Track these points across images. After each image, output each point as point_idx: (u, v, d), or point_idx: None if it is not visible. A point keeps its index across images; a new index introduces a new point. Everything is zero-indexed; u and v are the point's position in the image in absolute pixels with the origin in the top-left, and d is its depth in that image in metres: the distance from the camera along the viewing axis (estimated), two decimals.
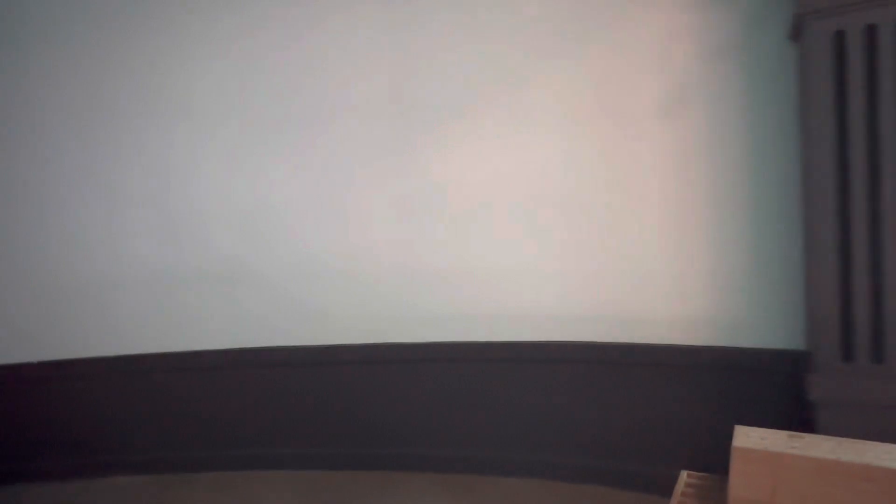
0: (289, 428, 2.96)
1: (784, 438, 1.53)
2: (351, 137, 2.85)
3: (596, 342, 2.65)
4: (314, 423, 2.94)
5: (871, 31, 1.91)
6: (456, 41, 2.72)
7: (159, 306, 2.97)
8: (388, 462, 2.90)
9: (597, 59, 2.59)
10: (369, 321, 2.88)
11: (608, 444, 2.66)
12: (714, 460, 1.89)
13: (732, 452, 1.50)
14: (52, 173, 2.96)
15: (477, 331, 2.79)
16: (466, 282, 2.79)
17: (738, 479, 1.50)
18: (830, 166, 1.96)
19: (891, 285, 1.88)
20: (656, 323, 2.58)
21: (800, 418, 2.12)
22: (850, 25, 1.92)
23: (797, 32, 2.09)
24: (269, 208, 2.91)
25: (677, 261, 2.54)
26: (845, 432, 1.60)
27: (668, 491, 1.91)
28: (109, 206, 2.97)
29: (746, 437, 1.53)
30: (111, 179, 2.97)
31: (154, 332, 2.96)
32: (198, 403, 2.98)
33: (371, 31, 2.80)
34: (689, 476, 1.74)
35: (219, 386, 2.95)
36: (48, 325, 2.97)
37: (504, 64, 2.70)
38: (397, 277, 2.85)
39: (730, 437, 1.57)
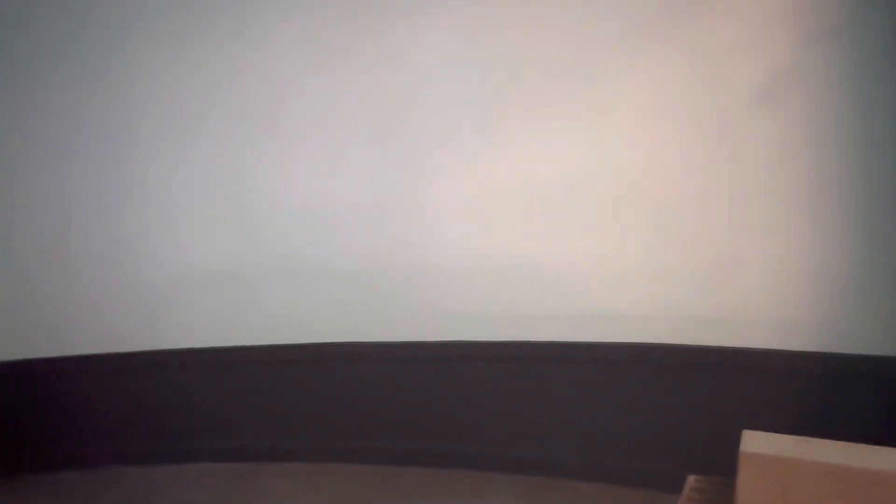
0: (363, 422, 3.00)
1: (793, 443, 1.51)
2: (428, 131, 2.79)
3: (685, 345, 2.52)
4: (388, 418, 2.97)
5: None
6: (536, 31, 2.62)
7: (246, 300, 3.03)
8: (462, 461, 2.87)
9: (685, 45, 2.43)
10: (444, 318, 2.84)
11: (697, 453, 2.39)
12: None
13: (740, 457, 1.52)
14: (146, 172, 3.04)
15: (559, 330, 2.70)
16: (547, 280, 2.71)
17: (746, 484, 1.51)
18: None
19: None
20: (751, 325, 2.42)
21: None
22: None
23: None
24: (343, 204, 2.90)
25: (774, 261, 2.39)
26: None
27: None
28: (201, 201, 3.02)
29: (754, 442, 1.54)
30: (199, 178, 3.02)
31: (241, 326, 3.04)
32: (280, 395, 3.05)
33: (450, 23, 2.72)
34: (696, 481, 1.76)
35: (300, 379, 3.03)
36: (143, 317, 3.09)
37: (585, 53, 2.58)
38: (473, 274, 2.80)
39: None
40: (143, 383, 3.12)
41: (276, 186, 2.98)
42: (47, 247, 3.10)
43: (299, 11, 2.85)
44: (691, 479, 1.79)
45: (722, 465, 1.75)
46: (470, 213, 2.79)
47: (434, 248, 2.84)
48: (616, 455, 2.68)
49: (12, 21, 2.97)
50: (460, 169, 2.79)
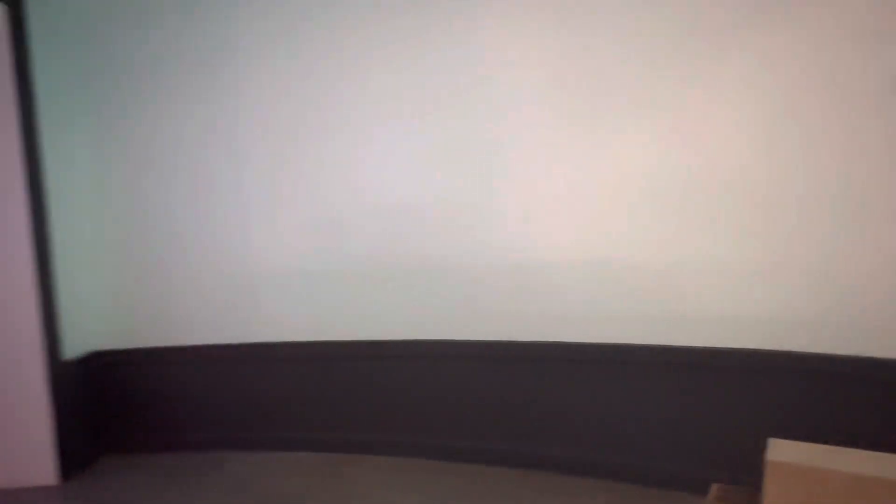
0: (454, 420, 3.00)
1: (821, 452, 1.49)
2: (523, 126, 2.72)
3: (812, 353, 2.32)
4: (478, 418, 2.96)
5: None
6: (637, 14, 2.47)
7: (352, 297, 3.07)
8: (557, 464, 2.83)
9: (808, 26, 2.23)
10: (540, 319, 2.79)
11: None
12: None
13: (766, 466, 1.51)
14: (244, 176, 3.13)
15: (670, 333, 2.56)
16: (652, 280, 2.58)
17: (773, 494, 1.50)
18: None
19: None
20: (883, 333, 2.23)
21: None
22: None
23: None
24: (438, 200, 2.89)
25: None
26: None
27: None
28: (294, 202, 3.08)
29: (781, 451, 1.52)
30: (291, 180, 3.08)
31: (346, 322, 3.09)
32: (374, 390, 3.10)
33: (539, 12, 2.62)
34: (719, 489, 1.73)
35: (394, 375, 3.07)
36: (248, 311, 3.19)
37: (693, 40, 2.40)
38: (576, 273, 2.70)
39: None
40: (246, 373, 3.25)
41: (364, 186, 3.01)
42: (164, 246, 3.25)
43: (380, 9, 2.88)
44: (715, 488, 1.76)
45: None
46: (571, 210, 2.70)
47: (528, 246, 2.78)
48: (721, 469, 2.46)
49: (124, 38, 3.13)
50: (558, 164, 2.69)
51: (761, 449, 1.57)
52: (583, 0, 2.57)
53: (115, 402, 3.28)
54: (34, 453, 2.88)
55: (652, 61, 2.50)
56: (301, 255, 3.12)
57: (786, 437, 2.08)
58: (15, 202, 2.80)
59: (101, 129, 3.20)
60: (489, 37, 2.74)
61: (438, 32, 2.80)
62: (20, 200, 2.81)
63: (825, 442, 1.60)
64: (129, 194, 3.24)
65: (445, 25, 2.79)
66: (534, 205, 2.76)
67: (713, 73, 2.41)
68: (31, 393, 2.86)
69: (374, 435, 3.12)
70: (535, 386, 2.86)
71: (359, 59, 2.94)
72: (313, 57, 2.99)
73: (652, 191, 2.56)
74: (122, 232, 3.26)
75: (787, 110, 2.33)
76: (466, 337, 2.93)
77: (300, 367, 3.18)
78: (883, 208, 2.23)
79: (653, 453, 2.66)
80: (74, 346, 3.08)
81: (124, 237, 3.26)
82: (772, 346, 2.41)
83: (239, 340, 3.21)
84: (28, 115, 2.84)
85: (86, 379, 3.14)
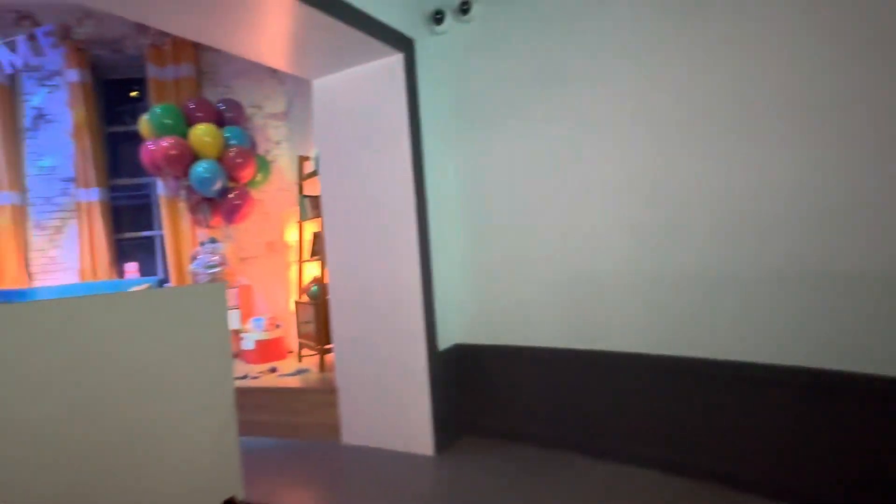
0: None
1: None
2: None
3: None
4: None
5: None
6: None
7: (697, 309, 2.85)
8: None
9: None
10: None
11: None
12: None
13: None
14: (589, 177, 3.17)
15: None
16: None
17: None
18: None
19: None
20: None
21: None
22: None
23: None
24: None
25: None
26: None
27: None
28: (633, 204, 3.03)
29: None
30: (629, 181, 3.03)
31: (696, 335, 2.85)
32: (744, 415, 2.70)
33: None
34: None
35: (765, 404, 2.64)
36: (597, 318, 3.18)
37: None
38: None
39: None
40: (586, 379, 3.23)
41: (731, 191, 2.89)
42: (513, 251, 3.52)
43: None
44: None
45: None
46: None
47: None
48: None
49: (482, 75, 3.59)
50: None
51: None
52: None
53: (472, 390, 3.69)
54: (419, 426, 3.42)
55: None
56: (643, 261, 3.01)
57: None
58: (408, 214, 3.38)
59: (465, 149, 3.66)
60: None
61: None
62: (411, 212, 3.36)
63: None
64: (488, 205, 3.61)
65: None
66: None
67: None
68: (417, 376, 3.41)
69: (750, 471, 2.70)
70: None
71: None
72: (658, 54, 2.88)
73: None
74: (478, 239, 3.66)
75: None
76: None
77: (640, 380, 3.05)
78: None
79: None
80: (443, 338, 3.57)
81: (480, 243, 3.65)
82: None
83: (582, 346, 3.26)
84: (416, 138, 3.40)
85: (451, 367, 3.61)
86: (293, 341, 5.15)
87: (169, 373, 1.88)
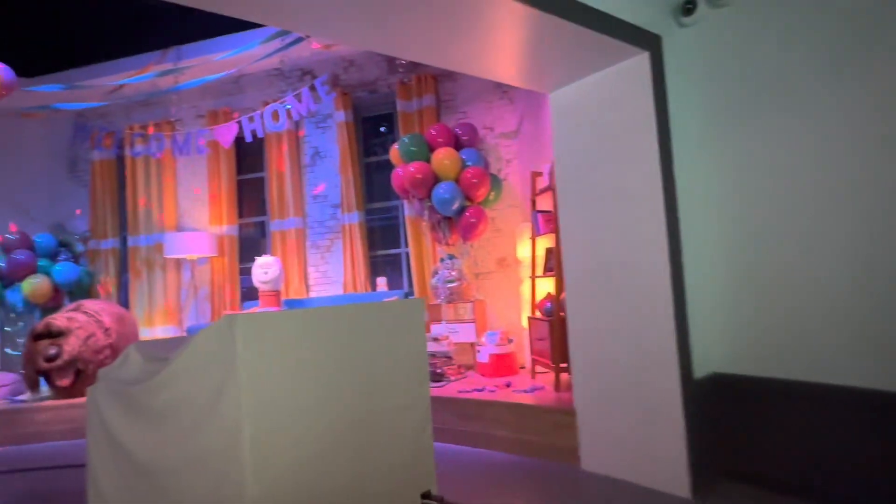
0: None
1: None
2: None
3: None
4: None
5: None
6: None
7: None
8: None
9: None
10: None
11: None
12: None
13: None
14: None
15: None
16: None
17: None
18: None
19: None
20: None
21: None
22: None
23: None
24: None
25: None
26: None
27: None
28: None
29: None
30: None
31: None
32: None
33: None
34: None
35: None
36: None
37: None
38: None
39: None
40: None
41: None
42: (787, 267, 3.18)
43: None
44: None
45: None
46: None
47: None
48: None
49: (739, 70, 3.32)
50: None
51: None
52: None
53: (733, 428, 3.17)
54: (671, 462, 3.05)
55: None
56: None
57: None
58: (657, 223, 3.07)
59: (721, 150, 3.21)
60: None
61: None
62: (661, 222, 3.05)
63: None
64: (748, 219, 3.11)
65: None
66: None
67: None
68: (669, 406, 3.05)
69: None
70: None
71: None
72: None
73: None
74: (740, 251, 3.16)
75: None
76: None
77: None
78: None
79: None
80: (699, 366, 3.14)
81: (742, 256, 3.15)
82: None
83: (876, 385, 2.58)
84: (665, 141, 3.09)
85: (708, 399, 3.15)
86: (525, 357, 5.14)
87: (385, 373, 2.20)
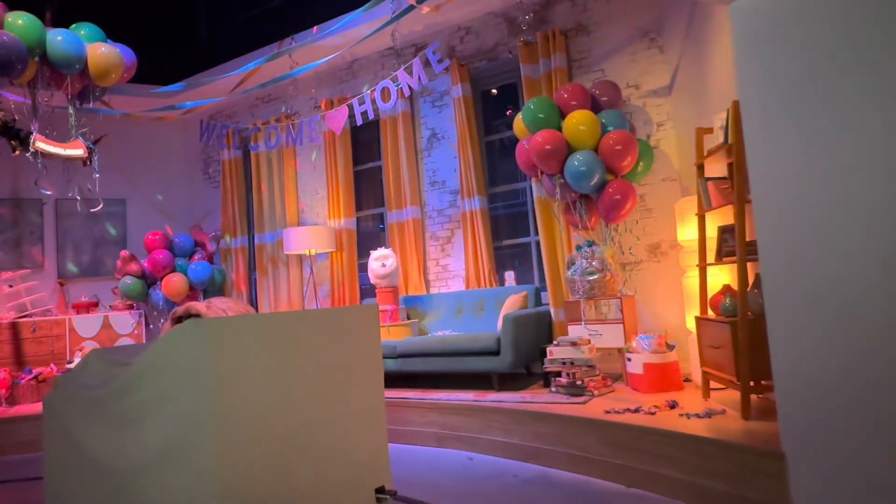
0: None
1: None
2: None
3: None
4: None
5: None
6: None
7: None
8: None
9: None
10: None
11: None
12: None
13: None
14: None
15: None
16: None
17: None
18: None
19: None
20: None
21: None
22: None
23: None
24: None
25: None
26: None
27: None
28: None
29: None
30: None
31: None
32: None
33: None
34: None
35: None
36: None
37: None
38: None
39: None
40: None
41: None
42: None
43: None
44: None
45: None
46: None
47: None
48: None
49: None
50: None
51: None
52: None
53: None
54: None
55: None
56: None
57: None
58: None
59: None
60: None
61: None
62: None
63: None
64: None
65: None
66: None
67: None
68: None
69: None
70: None
71: None
72: None
73: None
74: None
75: None
76: None
77: None
78: None
79: None
80: None
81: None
82: None
83: None
84: None
85: None
86: (692, 368, 4.04)
87: (340, 378, 2.38)
